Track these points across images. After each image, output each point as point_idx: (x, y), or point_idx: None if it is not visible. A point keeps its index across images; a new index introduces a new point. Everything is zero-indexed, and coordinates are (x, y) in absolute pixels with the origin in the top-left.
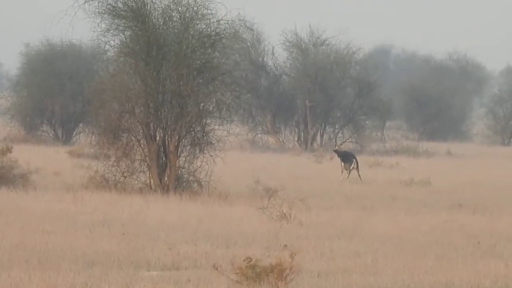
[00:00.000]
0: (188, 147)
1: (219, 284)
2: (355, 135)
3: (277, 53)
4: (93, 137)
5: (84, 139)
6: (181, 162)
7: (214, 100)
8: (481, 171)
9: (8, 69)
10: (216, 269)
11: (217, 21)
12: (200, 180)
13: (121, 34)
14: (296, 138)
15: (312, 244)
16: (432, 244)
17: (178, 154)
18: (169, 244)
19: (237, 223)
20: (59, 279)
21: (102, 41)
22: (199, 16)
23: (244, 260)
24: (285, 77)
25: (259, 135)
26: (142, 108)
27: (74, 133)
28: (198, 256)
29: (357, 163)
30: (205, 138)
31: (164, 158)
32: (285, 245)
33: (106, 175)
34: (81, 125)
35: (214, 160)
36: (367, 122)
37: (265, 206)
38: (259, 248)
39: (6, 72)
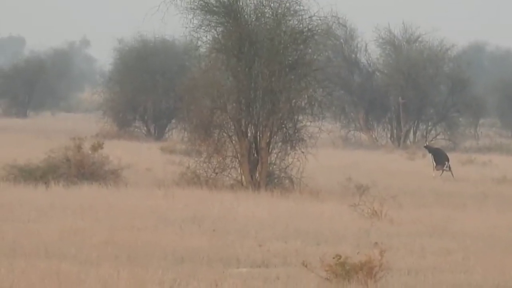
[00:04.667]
0: (280, 143)
1: (308, 281)
2: (448, 132)
3: (370, 49)
4: (185, 133)
5: (176, 135)
6: (272, 158)
7: (306, 96)
8: None
9: (102, 64)
10: (306, 266)
11: (309, 17)
12: (292, 176)
13: (213, 30)
14: (388, 135)
15: (402, 242)
16: None
17: (270, 150)
18: (259, 241)
19: (327, 220)
20: (148, 275)
21: (194, 37)
22: (292, 12)
23: (333, 258)
24: (378, 74)
25: (352, 132)
26: (233, 104)
27: (167, 129)
28: (288, 253)
29: (449, 165)
30: (296, 134)
31: (255, 155)
32: (376, 243)
33: (198, 171)
34: (173, 121)
35: (305, 157)
36: (460, 119)
37: (356, 203)
38: (349, 246)
39: (99, 68)
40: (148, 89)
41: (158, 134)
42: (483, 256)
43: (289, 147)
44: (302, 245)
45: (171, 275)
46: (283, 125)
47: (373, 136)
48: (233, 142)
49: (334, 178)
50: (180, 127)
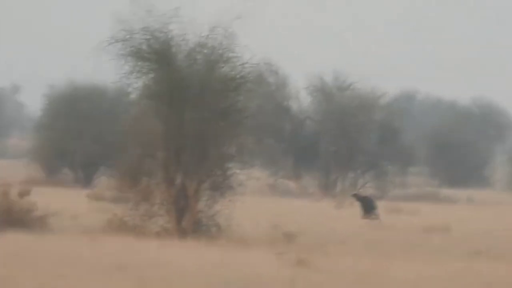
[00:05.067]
0: (208, 191)
1: None
2: (376, 181)
3: (301, 97)
4: (113, 180)
5: (105, 182)
6: (200, 206)
7: (236, 144)
8: (502, 219)
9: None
10: None
11: (241, 64)
12: (219, 224)
13: (144, 77)
14: (317, 183)
15: None
16: None
17: (198, 198)
18: None
19: (254, 268)
20: None
21: (125, 83)
22: (224, 59)
23: None
24: (309, 121)
25: (280, 180)
26: (163, 151)
27: (95, 176)
28: None
29: (377, 213)
30: (225, 182)
31: (183, 202)
32: None
33: (125, 218)
34: (102, 168)
35: (234, 205)
36: (389, 167)
37: (283, 251)
38: None
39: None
40: (77, 135)
41: (86, 181)
42: None
43: (218, 195)
44: None
45: None
46: (212, 173)
47: (302, 184)
48: (161, 189)
49: (261, 226)
50: (108, 174)
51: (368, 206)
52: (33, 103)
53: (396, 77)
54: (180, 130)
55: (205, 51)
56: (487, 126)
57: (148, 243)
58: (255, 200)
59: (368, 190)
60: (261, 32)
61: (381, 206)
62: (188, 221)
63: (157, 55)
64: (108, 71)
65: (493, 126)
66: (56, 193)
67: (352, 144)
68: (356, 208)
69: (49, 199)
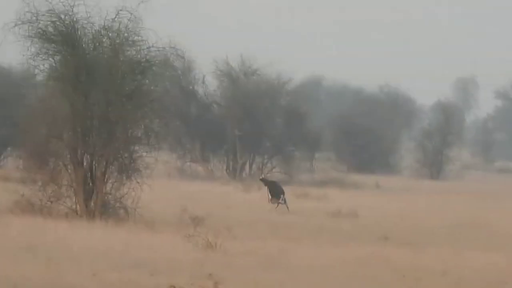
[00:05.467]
0: (116, 173)
1: None
2: (283, 166)
3: (207, 81)
4: (20, 161)
5: (12, 163)
6: (108, 188)
7: (142, 126)
8: (409, 205)
9: None
10: None
11: (147, 47)
12: (127, 207)
13: (50, 58)
14: (224, 167)
15: (236, 274)
16: (357, 277)
17: (105, 180)
18: (93, 271)
19: (162, 251)
20: None
21: (32, 65)
22: (130, 42)
23: None
24: (215, 106)
25: (188, 164)
26: (69, 133)
27: (2, 156)
28: (122, 284)
29: (284, 198)
30: (132, 164)
31: (91, 184)
32: (210, 274)
33: (32, 199)
34: (9, 148)
35: (141, 187)
36: (296, 152)
37: (191, 234)
38: (183, 277)
39: None
40: None
41: None
42: None
43: (124, 177)
44: (136, 275)
45: None
46: (119, 155)
47: (209, 168)
48: (69, 171)
49: (169, 209)
50: (15, 154)
51: (275, 191)
52: None
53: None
54: (86, 112)
55: (111, 34)
56: (394, 113)
57: (57, 224)
58: (163, 183)
59: (276, 175)
60: (167, 15)
61: (288, 191)
62: (95, 203)
63: (62, 37)
64: (14, 52)
65: (400, 113)
66: None
67: (258, 128)
68: (264, 193)
69: None
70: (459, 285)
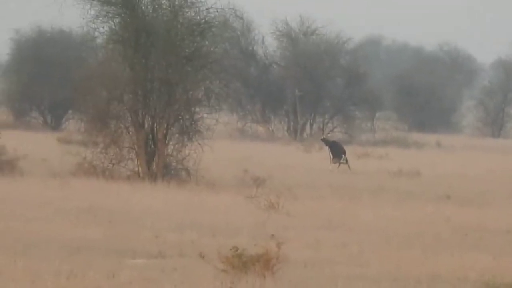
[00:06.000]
0: (177, 135)
1: (205, 273)
2: (344, 125)
3: (267, 42)
4: (82, 124)
5: (73, 125)
6: (169, 150)
7: (203, 88)
8: (471, 163)
9: None
10: (203, 257)
11: (206, 9)
12: (188, 168)
13: (110, 21)
14: (285, 128)
15: (299, 234)
16: (419, 235)
17: (167, 142)
18: (155, 232)
19: (224, 212)
20: (44, 266)
21: (91, 27)
22: (189, 4)
23: (230, 249)
24: (274, 66)
25: (249, 124)
26: (130, 95)
27: (64, 119)
28: (184, 244)
29: (346, 158)
30: (193, 126)
31: (152, 146)
32: (272, 235)
33: (94, 162)
34: (70, 111)
35: (202, 149)
36: (356, 112)
37: (252, 195)
38: (245, 238)
39: None
40: (44, 80)
41: (55, 124)
42: (379, 249)
43: (186, 139)
44: (198, 236)
45: (68, 265)
46: (180, 117)
47: (270, 128)
48: (130, 133)
49: (230, 170)
50: (77, 117)
51: (336, 151)
52: None
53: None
54: (146, 74)
55: None
56: (454, 71)
57: (119, 186)
58: (224, 145)
59: (336, 135)
60: None
61: (349, 151)
62: (157, 165)
63: None
64: (74, 15)
65: (461, 72)
66: (25, 137)
67: (318, 89)
68: (325, 153)
69: (19, 142)
70: None
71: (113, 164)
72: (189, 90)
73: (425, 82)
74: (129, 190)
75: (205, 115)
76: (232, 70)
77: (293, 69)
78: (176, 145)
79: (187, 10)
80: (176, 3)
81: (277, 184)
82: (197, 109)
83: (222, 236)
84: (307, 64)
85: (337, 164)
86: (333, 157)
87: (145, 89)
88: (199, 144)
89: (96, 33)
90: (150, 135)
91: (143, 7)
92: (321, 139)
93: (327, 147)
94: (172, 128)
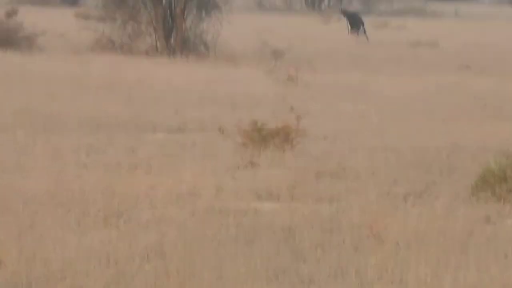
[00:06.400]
0: (195, 9)
1: (224, 146)
2: None
3: None
4: None
5: (91, 1)
6: (187, 25)
7: None
8: (490, 32)
9: None
10: (222, 132)
11: None
12: (207, 42)
13: None
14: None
15: (318, 106)
16: (438, 105)
17: (185, 17)
18: (175, 107)
19: (243, 85)
20: (64, 141)
21: None
22: None
23: (250, 124)
24: None
25: None
26: None
27: None
28: (204, 119)
29: (364, 29)
30: (211, 1)
31: (170, 21)
32: (292, 108)
33: (113, 37)
34: None
35: (220, 23)
36: None
37: (272, 68)
38: (265, 111)
39: None
40: None
41: (73, 0)
42: (399, 119)
43: (204, 13)
44: (218, 110)
45: (87, 141)
46: None
47: (288, 0)
48: (148, 8)
49: (249, 43)
50: None
51: (355, 22)
52: None
53: None
54: None
55: None
56: None
57: (137, 61)
58: (242, 17)
59: (355, 5)
60: None
61: (367, 21)
62: (176, 40)
63: None
64: None
65: None
66: (43, 13)
67: None
68: (343, 24)
69: (37, 18)
70: None
71: (132, 40)
72: None
73: None
74: (147, 66)
75: None
76: None
77: None
78: (194, 20)
79: None
80: None
81: (296, 56)
82: None
83: (241, 110)
84: None
85: (356, 34)
86: (351, 28)
87: None
88: (217, 18)
89: None
90: (168, 10)
91: None
92: (340, 11)
93: (345, 18)
94: (190, 2)
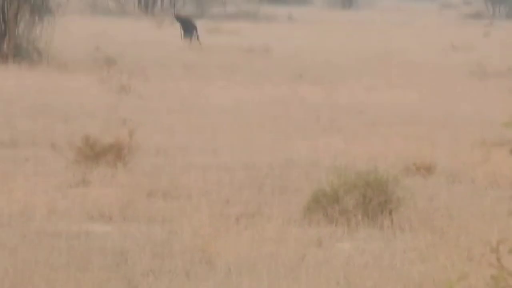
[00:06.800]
0: (27, 15)
1: (57, 163)
2: None
3: None
4: None
5: None
6: (20, 30)
7: None
8: (322, 38)
9: None
10: (55, 149)
11: None
12: (40, 49)
13: None
14: (136, 2)
15: (151, 118)
16: (272, 118)
17: (18, 22)
18: (7, 118)
19: (76, 95)
20: None
21: None
22: None
23: (82, 140)
24: None
25: None
26: None
27: None
28: (37, 131)
29: (197, 34)
30: (44, 5)
31: (3, 27)
32: (124, 120)
33: None
34: None
35: (53, 28)
36: None
37: (104, 76)
38: (98, 122)
39: None
40: None
41: None
42: (232, 134)
43: (37, 18)
44: (50, 122)
45: None
46: None
47: (120, 2)
48: None
49: (82, 49)
50: None
51: (188, 27)
52: None
53: None
54: None
55: None
56: None
57: None
58: (75, 21)
59: (188, 9)
60: None
61: (200, 25)
62: (8, 46)
63: None
64: None
65: None
66: None
67: None
68: (176, 28)
69: None
70: (375, 123)
71: None
72: None
73: None
74: None
75: None
76: None
77: None
78: (27, 25)
79: None
80: None
81: (130, 63)
82: None
83: (74, 122)
84: None
85: (189, 40)
86: (185, 33)
87: None
88: (50, 23)
89: None
90: (1, 15)
91: None
92: (174, 16)
93: (179, 23)
94: (22, 7)
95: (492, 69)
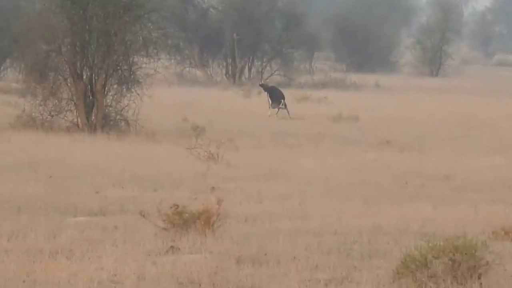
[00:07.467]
0: (115, 85)
1: (146, 231)
2: (283, 68)
3: None
4: (20, 74)
5: (11, 74)
6: (108, 101)
7: (140, 38)
8: (409, 105)
9: None
10: (143, 216)
11: None
12: (128, 119)
13: None
14: (224, 72)
15: (239, 186)
16: (359, 185)
17: (105, 93)
18: (96, 187)
19: (164, 164)
20: None
21: None
22: None
23: (171, 207)
24: (212, 10)
25: (187, 69)
26: (68, 47)
27: (1, 68)
28: (125, 200)
29: (285, 103)
30: (132, 76)
31: (91, 97)
32: (213, 187)
33: (33, 114)
34: (8, 60)
35: (141, 98)
36: (295, 54)
37: (192, 146)
38: (186, 191)
39: None
40: None
41: None
42: (320, 200)
43: (124, 89)
44: (139, 191)
45: (8, 226)
46: (118, 67)
47: (208, 72)
48: (69, 84)
49: (170, 119)
50: (15, 67)
51: (275, 96)
52: None
53: None
54: (84, 25)
55: None
56: (391, 9)
57: (58, 138)
58: (162, 91)
59: (275, 78)
60: None
61: (288, 94)
62: (96, 116)
63: None
64: None
65: (398, 10)
66: None
67: (257, 32)
68: (264, 98)
69: None
70: (463, 189)
71: (52, 116)
72: (127, 41)
73: (362, 22)
74: (68, 143)
75: (144, 65)
76: (170, 16)
77: (231, 13)
78: (115, 96)
79: None
80: None
81: (217, 132)
82: (136, 59)
83: (162, 190)
84: (245, 7)
85: (276, 109)
86: (272, 102)
87: (83, 40)
88: (138, 94)
89: None
90: (89, 86)
91: None
92: (260, 85)
93: (266, 93)
94: (110, 78)
95: None
